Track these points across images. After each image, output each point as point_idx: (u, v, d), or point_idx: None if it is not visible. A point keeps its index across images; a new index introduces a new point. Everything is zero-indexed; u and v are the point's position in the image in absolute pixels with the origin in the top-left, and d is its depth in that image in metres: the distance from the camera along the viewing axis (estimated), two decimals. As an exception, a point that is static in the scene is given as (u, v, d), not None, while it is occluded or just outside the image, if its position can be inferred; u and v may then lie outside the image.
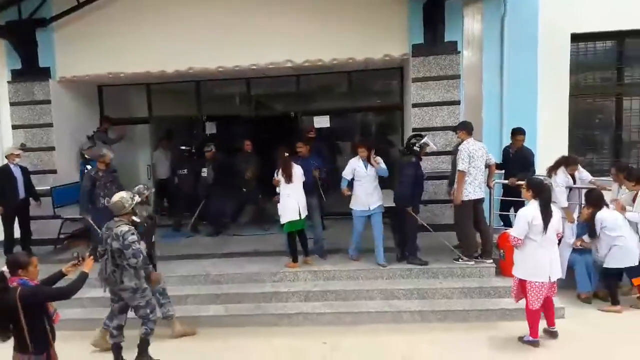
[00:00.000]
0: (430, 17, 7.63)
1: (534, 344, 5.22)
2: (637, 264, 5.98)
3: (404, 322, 5.93)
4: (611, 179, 6.75)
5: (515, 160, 7.28)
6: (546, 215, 5.05)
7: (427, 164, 7.79)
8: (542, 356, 5.07)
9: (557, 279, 5.25)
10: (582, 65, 8.25)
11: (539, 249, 5.08)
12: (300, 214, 6.74)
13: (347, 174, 6.82)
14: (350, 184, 6.84)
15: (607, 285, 6.20)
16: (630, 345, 5.19)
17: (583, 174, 6.91)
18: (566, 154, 7.44)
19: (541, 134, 7.83)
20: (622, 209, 6.15)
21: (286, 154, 6.80)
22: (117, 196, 5.08)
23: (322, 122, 9.15)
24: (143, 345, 5.13)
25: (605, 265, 6.07)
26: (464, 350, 5.26)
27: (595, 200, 6.16)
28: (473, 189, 6.49)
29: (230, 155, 9.37)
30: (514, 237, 5.13)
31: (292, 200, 6.71)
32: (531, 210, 5.10)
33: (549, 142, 7.76)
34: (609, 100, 8.44)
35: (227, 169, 8.84)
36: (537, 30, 7.73)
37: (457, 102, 7.91)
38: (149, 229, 5.71)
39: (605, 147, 8.55)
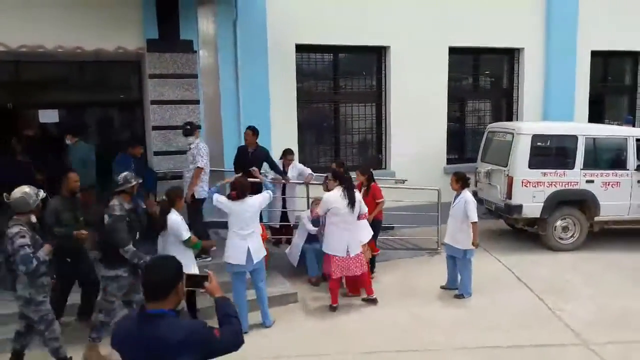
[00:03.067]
0: (164, 13, 7.56)
1: (333, 309, 6.12)
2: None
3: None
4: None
5: (254, 158, 7.66)
6: (350, 198, 5.95)
7: (171, 164, 7.85)
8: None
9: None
10: (307, 74, 9.27)
11: (339, 229, 5.97)
12: None
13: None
14: None
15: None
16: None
17: (298, 166, 8.02)
18: (297, 152, 8.42)
19: (274, 134, 8.50)
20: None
21: None
22: (20, 191, 4.30)
23: (48, 116, 8.22)
24: None
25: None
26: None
27: None
28: (206, 186, 6.69)
29: None
30: (317, 213, 6.31)
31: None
32: (334, 194, 5.98)
33: (282, 141, 8.48)
34: (329, 106, 9.68)
35: None
36: (266, 37, 8.29)
37: (197, 102, 8.04)
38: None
39: (328, 146, 9.75)
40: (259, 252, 5.62)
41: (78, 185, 5.48)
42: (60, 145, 7.93)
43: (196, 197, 6.65)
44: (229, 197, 5.55)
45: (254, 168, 7.22)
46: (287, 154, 8.03)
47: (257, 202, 5.61)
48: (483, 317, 5.90)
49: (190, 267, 5.11)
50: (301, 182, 7.96)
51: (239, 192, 5.47)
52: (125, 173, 5.15)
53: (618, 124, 10.49)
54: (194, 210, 6.71)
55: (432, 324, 5.74)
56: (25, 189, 4.51)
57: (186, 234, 5.22)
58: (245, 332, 5.35)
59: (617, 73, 11.95)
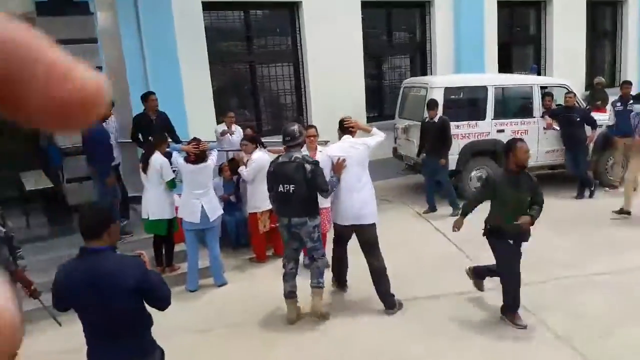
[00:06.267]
0: (52, -28, 6.87)
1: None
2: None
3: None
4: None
5: (159, 124, 7.24)
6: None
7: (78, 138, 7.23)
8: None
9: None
10: (218, 34, 8.85)
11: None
12: None
13: None
14: None
15: None
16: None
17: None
18: (213, 116, 8.11)
19: (187, 99, 8.11)
20: None
21: None
22: None
23: None
24: None
25: None
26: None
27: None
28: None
29: None
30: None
31: None
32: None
33: (195, 105, 8.12)
34: (244, 67, 9.35)
35: None
36: (167, -6, 7.77)
37: (99, 68, 7.44)
38: None
39: (246, 110, 9.48)
40: (215, 211, 5.79)
41: None
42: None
43: None
44: (186, 159, 5.75)
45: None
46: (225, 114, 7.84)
47: (211, 164, 5.83)
48: (404, 268, 6.05)
49: (168, 208, 5.76)
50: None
51: (196, 157, 5.70)
52: None
53: (525, 74, 10.95)
54: None
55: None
56: None
57: (170, 175, 5.71)
58: (194, 290, 5.74)
59: (523, 23, 12.38)
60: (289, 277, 4.98)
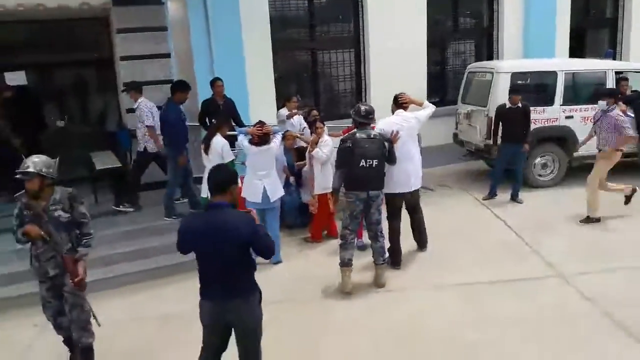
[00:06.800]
0: (127, -36, 7.27)
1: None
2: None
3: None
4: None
5: (226, 110, 7.53)
6: None
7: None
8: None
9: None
10: (282, 21, 9.01)
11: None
12: None
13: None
14: None
15: None
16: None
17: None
18: (274, 102, 8.31)
19: (250, 85, 8.34)
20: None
21: None
22: None
23: (15, 78, 7.99)
24: None
25: None
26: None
27: None
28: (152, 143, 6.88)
29: None
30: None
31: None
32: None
33: (259, 93, 8.35)
34: (305, 54, 9.48)
35: None
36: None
37: (168, 55, 7.83)
38: None
39: (306, 96, 9.60)
40: (275, 192, 5.95)
41: None
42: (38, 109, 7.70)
43: (149, 151, 6.86)
44: (251, 141, 5.89)
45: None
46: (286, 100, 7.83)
47: (273, 147, 5.95)
48: (463, 254, 6.00)
49: None
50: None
51: (260, 139, 5.86)
52: None
53: (599, 59, 10.38)
54: (142, 163, 6.99)
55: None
56: None
57: (230, 156, 5.90)
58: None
59: (598, 6, 11.71)
60: (350, 246, 5.27)
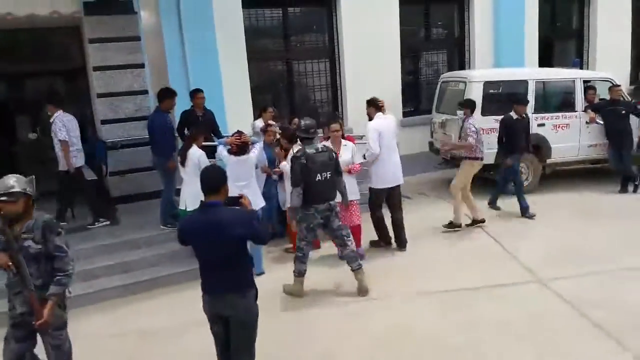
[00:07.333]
0: (99, -27, 7.15)
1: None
2: None
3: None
4: None
5: (206, 121, 7.43)
6: None
7: (120, 132, 7.56)
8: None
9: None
10: (257, 31, 9.01)
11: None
12: None
13: None
14: None
15: None
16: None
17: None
18: (251, 112, 8.27)
19: (227, 96, 8.28)
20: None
21: None
22: None
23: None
24: None
25: None
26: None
27: None
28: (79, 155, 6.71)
29: None
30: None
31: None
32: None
33: (235, 103, 8.30)
34: (281, 64, 9.49)
35: None
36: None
37: (142, 65, 7.71)
38: None
39: (283, 106, 9.59)
40: (256, 202, 5.79)
41: None
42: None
43: (75, 166, 6.57)
44: (229, 151, 5.82)
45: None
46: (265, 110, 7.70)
47: (253, 157, 5.90)
48: (445, 259, 6.05)
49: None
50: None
51: (239, 149, 5.79)
52: None
53: (567, 68, 10.69)
54: (80, 178, 6.74)
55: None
56: None
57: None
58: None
59: (565, 17, 12.09)
60: (305, 258, 5.42)
